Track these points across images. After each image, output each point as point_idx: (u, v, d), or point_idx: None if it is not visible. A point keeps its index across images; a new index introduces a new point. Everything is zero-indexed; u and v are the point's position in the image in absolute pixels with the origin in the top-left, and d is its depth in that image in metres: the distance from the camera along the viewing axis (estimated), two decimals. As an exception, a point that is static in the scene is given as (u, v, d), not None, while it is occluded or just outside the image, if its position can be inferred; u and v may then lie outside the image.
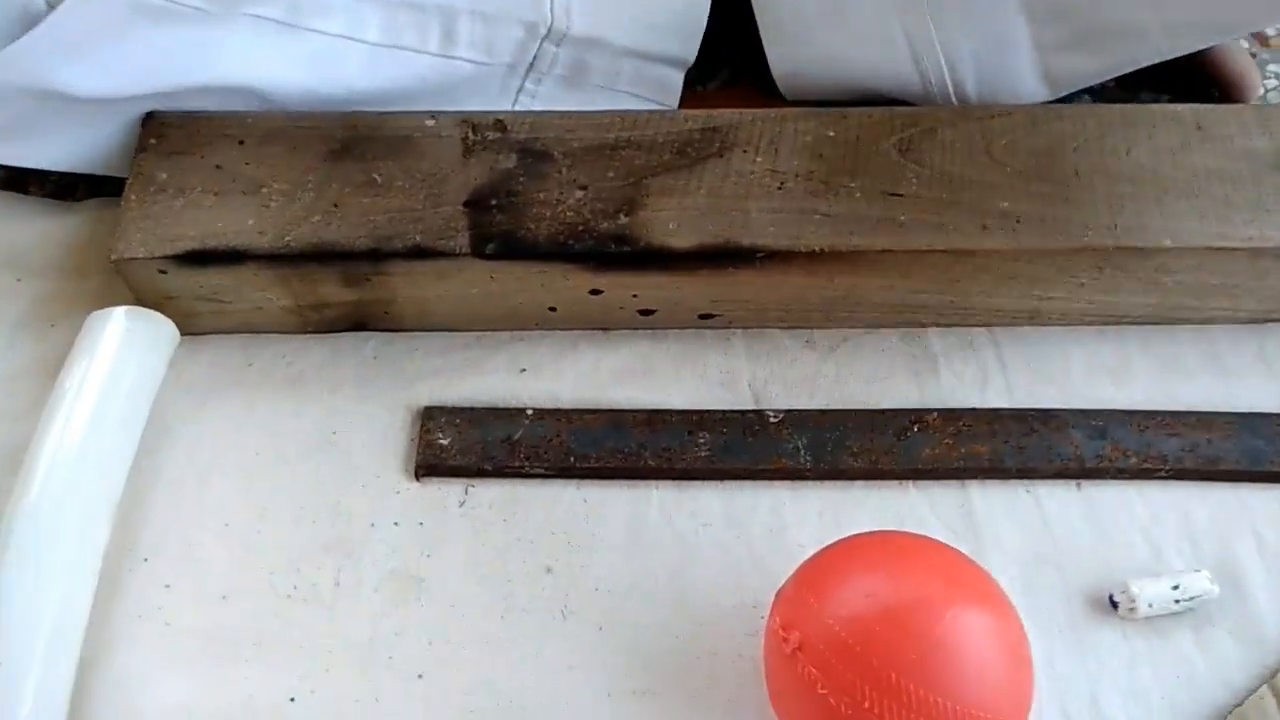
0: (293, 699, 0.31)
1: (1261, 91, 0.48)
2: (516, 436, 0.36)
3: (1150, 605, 0.31)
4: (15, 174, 0.43)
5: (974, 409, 0.37)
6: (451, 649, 0.32)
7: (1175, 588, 0.32)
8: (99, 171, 0.41)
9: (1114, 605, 0.32)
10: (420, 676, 0.32)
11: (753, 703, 0.31)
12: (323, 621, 0.33)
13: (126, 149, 0.39)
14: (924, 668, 0.24)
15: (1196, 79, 0.49)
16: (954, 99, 0.45)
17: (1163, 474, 0.36)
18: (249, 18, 0.38)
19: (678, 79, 0.47)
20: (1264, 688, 0.30)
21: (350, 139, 0.38)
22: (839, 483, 0.36)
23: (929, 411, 0.37)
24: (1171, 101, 0.46)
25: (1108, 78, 0.45)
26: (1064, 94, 0.45)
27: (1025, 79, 0.44)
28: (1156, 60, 0.42)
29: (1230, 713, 0.31)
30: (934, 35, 0.44)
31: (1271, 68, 0.50)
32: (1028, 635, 0.27)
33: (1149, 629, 0.32)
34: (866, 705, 0.24)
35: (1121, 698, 0.31)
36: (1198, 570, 0.32)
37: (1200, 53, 0.47)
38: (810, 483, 0.36)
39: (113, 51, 0.36)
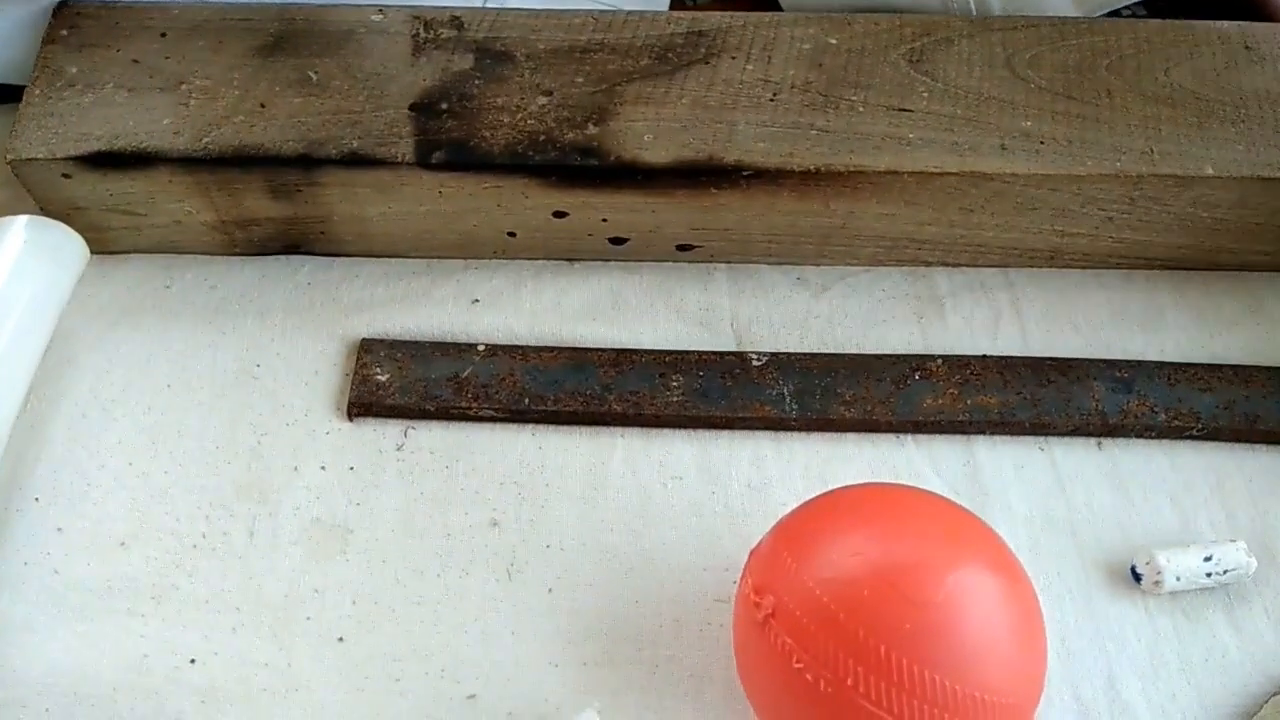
0: (193, 660, 0.27)
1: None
2: (464, 374, 0.32)
3: (1178, 579, 0.27)
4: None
5: (984, 356, 0.33)
6: (378, 611, 0.28)
7: (1207, 559, 0.27)
8: (9, 81, 0.36)
9: (1136, 578, 0.28)
10: (341, 640, 0.28)
11: (719, 679, 0.27)
12: (233, 575, 0.29)
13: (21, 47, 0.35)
14: (919, 641, 0.20)
15: (1241, 9, 0.44)
16: (974, 12, 0.40)
17: (1195, 433, 0.31)
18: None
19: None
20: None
21: (285, 33, 0.33)
22: (828, 434, 0.32)
23: (932, 358, 0.33)
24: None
25: None
26: (1094, 14, 0.40)
27: (1053, -2, 0.40)
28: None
29: (1267, 701, 0.27)
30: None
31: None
32: (1041, 607, 0.23)
33: (1175, 605, 0.28)
34: (850, 682, 0.20)
35: (1142, 681, 0.27)
36: (1233, 541, 0.28)
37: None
38: (796, 434, 0.32)
39: None
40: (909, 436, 0.32)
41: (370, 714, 0.27)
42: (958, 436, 0.32)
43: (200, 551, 0.29)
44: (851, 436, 0.32)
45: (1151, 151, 0.32)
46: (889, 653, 0.19)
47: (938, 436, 0.32)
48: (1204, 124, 0.32)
